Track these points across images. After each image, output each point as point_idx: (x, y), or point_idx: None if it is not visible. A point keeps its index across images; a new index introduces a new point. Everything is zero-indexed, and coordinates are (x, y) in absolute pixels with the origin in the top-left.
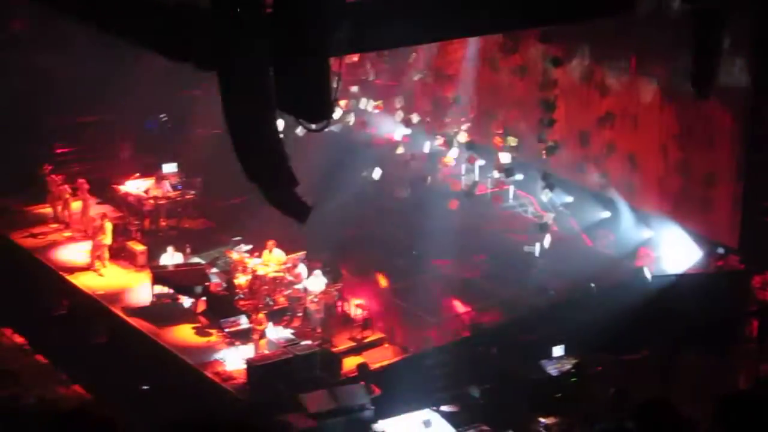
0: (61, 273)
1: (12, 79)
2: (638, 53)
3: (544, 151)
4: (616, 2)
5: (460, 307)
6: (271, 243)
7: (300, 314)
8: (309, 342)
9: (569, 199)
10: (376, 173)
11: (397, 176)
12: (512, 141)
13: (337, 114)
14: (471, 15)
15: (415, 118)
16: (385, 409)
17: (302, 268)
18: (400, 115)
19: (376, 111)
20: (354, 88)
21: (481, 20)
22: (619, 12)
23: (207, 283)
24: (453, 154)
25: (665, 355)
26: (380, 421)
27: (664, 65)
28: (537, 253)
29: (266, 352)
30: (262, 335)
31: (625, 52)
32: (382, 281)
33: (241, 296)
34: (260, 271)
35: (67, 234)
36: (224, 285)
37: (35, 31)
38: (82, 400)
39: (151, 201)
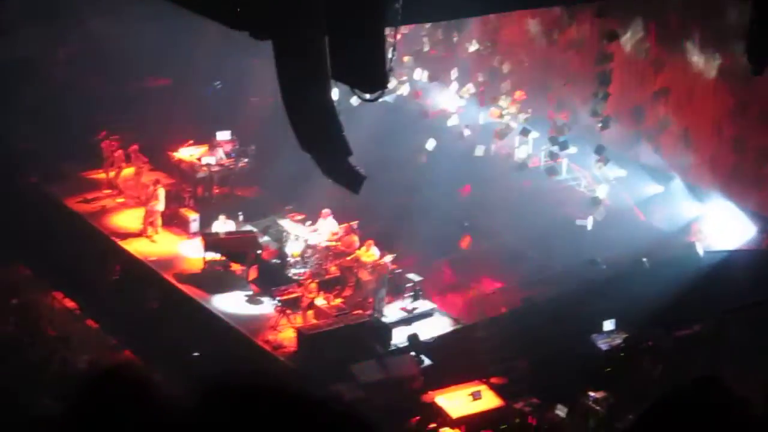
0: (113, 239)
1: (69, 46)
2: (693, 28)
3: (598, 125)
4: None
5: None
6: (324, 212)
7: (352, 284)
8: (360, 312)
9: (622, 173)
10: (430, 144)
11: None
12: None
13: (391, 84)
14: None
15: (470, 89)
16: (435, 381)
17: (355, 238)
18: (454, 86)
19: (431, 82)
20: (408, 59)
21: None
22: None
23: (259, 251)
24: (507, 128)
25: (717, 330)
26: (429, 393)
27: (719, 40)
28: (589, 227)
29: (317, 321)
30: (312, 304)
31: (680, 28)
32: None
33: (293, 264)
34: (312, 240)
35: (120, 200)
36: (276, 253)
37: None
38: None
39: (204, 168)
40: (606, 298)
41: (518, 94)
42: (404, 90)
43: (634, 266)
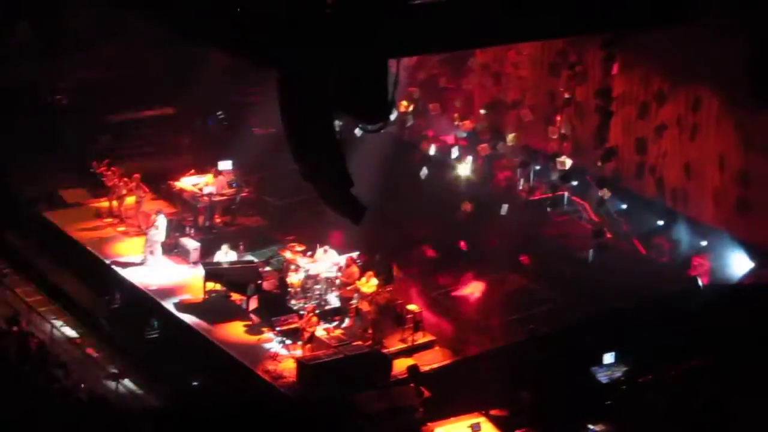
0: (114, 267)
1: (76, 72)
2: (696, 62)
3: (600, 158)
4: (675, 12)
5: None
6: (325, 243)
7: (352, 315)
8: (360, 343)
9: (624, 206)
10: (423, 172)
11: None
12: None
13: (394, 115)
14: (530, 20)
15: (473, 120)
16: (435, 412)
17: (355, 269)
18: (458, 117)
19: (435, 113)
20: (413, 90)
21: (542, 25)
22: (678, 22)
23: (260, 281)
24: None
25: (716, 364)
26: (429, 424)
27: (722, 74)
28: (590, 259)
29: (317, 351)
30: (313, 335)
31: (683, 61)
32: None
33: (294, 295)
34: (313, 271)
35: (121, 228)
36: (277, 283)
37: (100, 26)
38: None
39: (206, 198)
40: (607, 331)
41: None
42: (409, 120)
43: (635, 299)
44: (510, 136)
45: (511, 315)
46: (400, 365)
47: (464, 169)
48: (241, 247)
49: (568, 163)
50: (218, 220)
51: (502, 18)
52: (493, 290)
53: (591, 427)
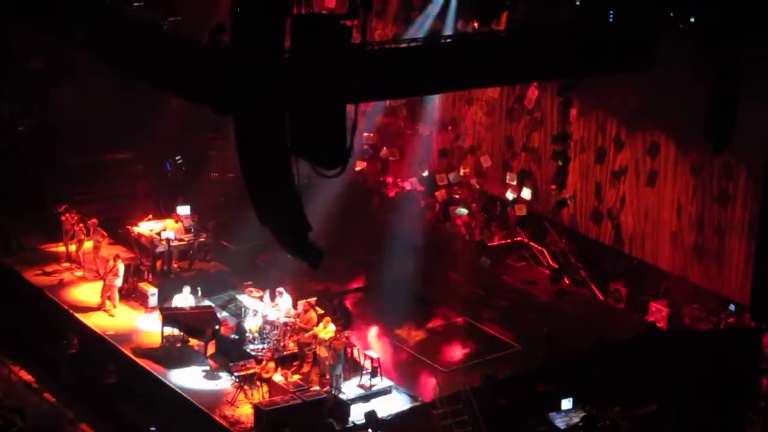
0: (72, 312)
1: (32, 117)
2: (653, 108)
3: (555, 204)
4: (634, 58)
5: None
6: (282, 288)
7: (309, 360)
8: (317, 388)
9: (582, 249)
10: (389, 219)
11: (410, 224)
12: (526, 193)
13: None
14: (489, 66)
15: (429, 167)
16: None
17: (312, 314)
18: (415, 162)
19: (393, 158)
20: (369, 135)
21: (502, 72)
22: (636, 67)
23: (217, 326)
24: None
25: (674, 410)
26: None
27: (679, 120)
28: (548, 305)
29: (274, 397)
30: (270, 380)
31: (641, 107)
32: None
33: (251, 340)
34: (271, 316)
35: (79, 273)
36: (234, 329)
37: (56, 70)
38: None
39: (164, 242)
40: (564, 376)
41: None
42: (364, 166)
43: (592, 345)
44: (457, 174)
45: (469, 360)
46: (358, 411)
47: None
48: (199, 292)
49: (524, 209)
50: (176, 266)
51: (460, 64)
52: (450, 335)
53: None
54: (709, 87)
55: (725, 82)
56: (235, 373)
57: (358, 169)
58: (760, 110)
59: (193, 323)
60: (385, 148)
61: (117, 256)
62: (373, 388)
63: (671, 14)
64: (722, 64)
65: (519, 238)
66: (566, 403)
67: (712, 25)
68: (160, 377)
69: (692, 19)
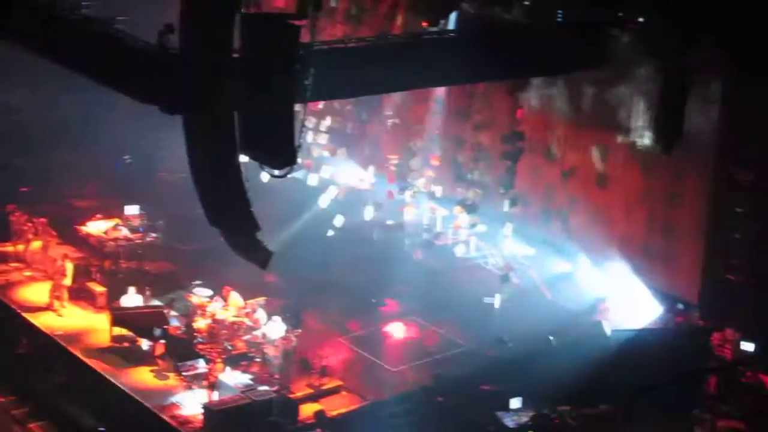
0: (20, 312)
1: None
2: (604, 109)
3: (507, 203)
4: (583, 58)
5: (417, 355)
6: (230, 288)
7: (258, 359)
8: (266, 388)
9: (531, 251)
10: (339, 220)
11: (361, 223)
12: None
13: (301, 160)
14: (439, 66)
15: (380, 166)
16: None
17: (261, 314)
18: (365, 162)
19: (342, 158)
20: (319, 135)
21: (451, 72)
22: (589, 68)
23: (166, 326)
24: (416, 203)
25: (623, 408)
26: None
27: (630, 121)
28: (497, 305)
29: (223, 396)
30: (218, 380)
31: (590, 107)
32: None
33: (200, 340)
34: (219, 316)
35: (27, 273)
36: (183, 328)
37: (4, 71)
38: None
39: (112, 242)
40: (513, 376)
41: (429, 172)
42: (315, 166)
43: (541, 344)
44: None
45: (419, 359)
46: (307, 410)
47: (371, 213)
48: (148, 292)
49: (475, 208)
50: (124, 265)
51: (409, 63)
52: (400, 335)
53: None
54: (658, 88)
55: (673, 83)
56: (184, 373)
57: (307, 169)
58: (708, 111)
59: (142, 323)
60: (334, 147)
61: (65, 256)
62: (323, 387)
63: (620, 15)
64: (671, 66)
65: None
66: (515, 402)
67: (661, 26)
68: (109, 377)
69: (641, 20)
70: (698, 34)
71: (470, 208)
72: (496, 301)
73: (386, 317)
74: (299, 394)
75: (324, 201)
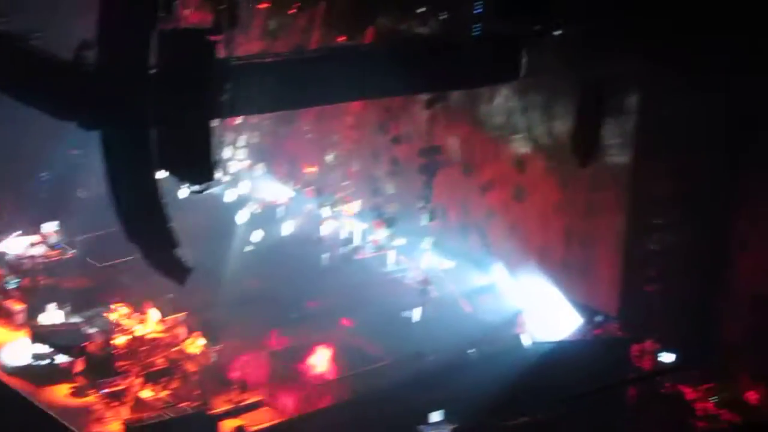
0: None
1: None
2: (521, 121)
3: (426, 217)
4: (500, 71)
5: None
6: (150, 304)
7: (178, 375)
8: (186, 404)
9: (450, 265)
10: (257, 235)
11: (279, 238)
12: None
13: (219, 175)
14: (355, 81)
15: (298, 180)
16: None
17: (181, 330)
18: (283, 176)
19: (259, 173)
20: (237, 150)
21: (368, 86)
22: (505, 81)
23: (85, 343)
24: (334, 217)
25: (544, 420)
26: None
27: (546, 133)
28: (416, 319)
29: (144, 413)
30: (139, 397)
31: (507, 120)
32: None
33: (120, 357)
34: (139, 332)
35: None
36: (103, 345)
37: None
38: None
39: (30, 260)
40: (433, 389)
41: (347, 186)
42: (232, 181)
43: (461, 357)
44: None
45: (340, 373)
46: (227, 426)
47: (289, 228)
48: (67, 309)
49: (393, 222)
50: (43, 283)
51: (326, 79)
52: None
53: None
54: (575, 100)
55: (590, 96)
56: (104, 390)
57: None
58: (624, 122)
59: (61, 340)
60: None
61: None
62: (243, 403)
63: (537, 28)
64: (587, 78)
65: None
66: (436, 416)
67: (577, 39)
68: (27, 396)
69: (558, 33)
70: (614, 47)
71: (388, 222)
72: (415, 314)
73: (306, 331)
74: (219, 409)
75: (242, 216)
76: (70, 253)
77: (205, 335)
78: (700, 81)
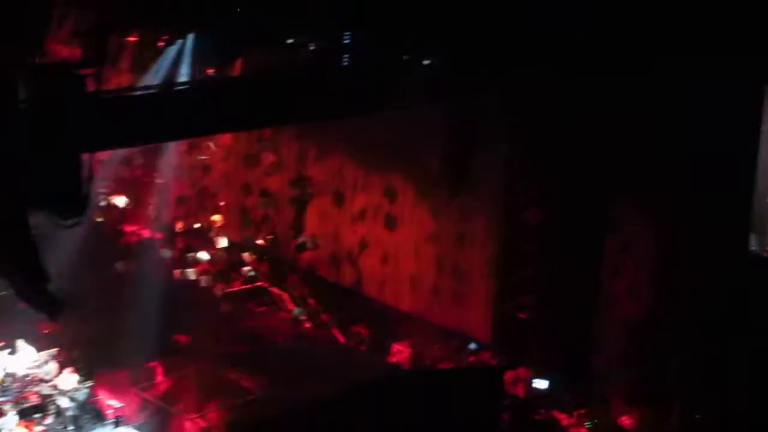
0: None
1: None
2: (391, 151)
3: (295, 248)
4: (373, 103)
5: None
6: (21, 339)
7: (52, 411)
8: None
9: (323, 295)
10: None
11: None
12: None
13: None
14: (226, 112)
15: (168, 212)
16: None
17: (53, 365)
18: (154, 210)
19: (130, 206)
20: (107, 184)
21: (237, 118)
22: (375, 112)
23: None
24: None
25: None
26: None
27: (417, 163)
28: (290, 350)
29: None
30: None
31: (378, 150)
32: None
33: None
34: (10, 369)
35: None
36: None
37: None
38: None
39: None
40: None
41: (217, 217)
42: (103, 215)
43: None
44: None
45: (214, 406)
46: None
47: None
48: None
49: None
50: None
51: (195, 111)
52: (195, 382)
53: None
54: (445, 129)
55: (460, 125)
56: None
57: (97, 219)
58: (495, 151)
59: None
60: (121, 196)
61: None
62: None
63: (406, 58)
64: (456, 107)
65: (259, 284)
66: None
67: (447, 68)
68: None
69: (427, 62)
70: (483, 75)
71: (260, 254)
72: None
73: (180, 362)
74: None
75: (115, 248)
76: None
77: (78, 370)
78: (567, 109)
